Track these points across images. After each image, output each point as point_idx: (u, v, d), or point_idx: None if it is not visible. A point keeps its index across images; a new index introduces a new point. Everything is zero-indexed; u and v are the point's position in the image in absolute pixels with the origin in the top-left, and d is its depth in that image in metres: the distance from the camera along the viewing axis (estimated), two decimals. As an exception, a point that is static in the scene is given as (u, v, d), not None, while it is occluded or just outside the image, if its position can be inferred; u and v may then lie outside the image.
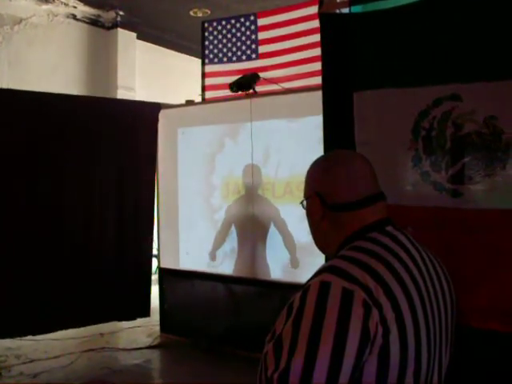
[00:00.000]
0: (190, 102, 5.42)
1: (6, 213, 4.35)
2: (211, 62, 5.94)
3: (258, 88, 5.03)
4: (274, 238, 4.72)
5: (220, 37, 5.87)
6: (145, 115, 5.12)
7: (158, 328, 5.41)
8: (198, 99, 5.89)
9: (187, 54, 8.50)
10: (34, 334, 4.59)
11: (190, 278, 5.16)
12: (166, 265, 5.39)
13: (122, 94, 7.40)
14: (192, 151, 5.21)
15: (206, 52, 5.96)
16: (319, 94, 2.51)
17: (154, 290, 5.39)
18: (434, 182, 2.08)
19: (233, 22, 5.81)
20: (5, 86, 5.76)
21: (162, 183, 5.36)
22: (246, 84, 4.85)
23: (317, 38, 2.53)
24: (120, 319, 5.15)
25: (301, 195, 1.34)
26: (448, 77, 2.05)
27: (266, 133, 4.64)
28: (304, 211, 1.32)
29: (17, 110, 4.41)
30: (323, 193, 1.24)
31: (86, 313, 4.75)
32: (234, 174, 4.92)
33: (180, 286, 5.28)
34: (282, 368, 1.00)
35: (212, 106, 5.26)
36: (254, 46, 5.70)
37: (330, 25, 2.40)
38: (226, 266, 4.98)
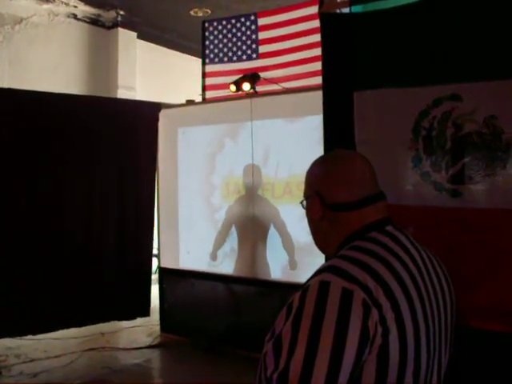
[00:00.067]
0: (190, 102, 5.43)
1: (6, 213, 4.35)
2: (212, 61, 5.94)
3: (259, 88, 5.03)
4: (274, 237, 4.72)
5: (220, 36, 5.87)
6: (145, 115, 5.12)
7: (158, 327, 5.42)
8: (199, 99, 5.89)
9: (188, 53, 8.50)
10: (34, 334, 4.60)
11: (190, 277, 5.16)
12: (166, 264, 5.40)
13: (122, 94, 7.40)
14: (192, 151, 5.22)
15: (207, 52, 5.95)
16: (319, 93, 2.50)
17: (154, 290, 5.39)
18: (434, 181, 2.08)
19: (233, 21, 5.81)
20: (5, 85, 5.76)
21: (162, 183, 5.36)
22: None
23: (317, 37, 2.53)
24: (120, 319, 5.15)
25: (300, 195, 1.34)
26: (448, 77, 2.05)
27: (266, 133, 4.65)
28: (304, 211, 1.32)
29: (17, 110, 4.41)
30: (323, 193, 1.24)
31: (87, 312, 4.75)
32: (234, 173, 4.92)
33: (180, 286, 5.28)
34: (282, 368, 1.00)
35: (212, 105, 5.26)
36: (254, 46, 5.70)
37: (331, 25, 2.40)
38: (226, 265, 4.98)
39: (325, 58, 2.45)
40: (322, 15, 2.43)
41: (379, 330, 1.02)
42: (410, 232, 1.27)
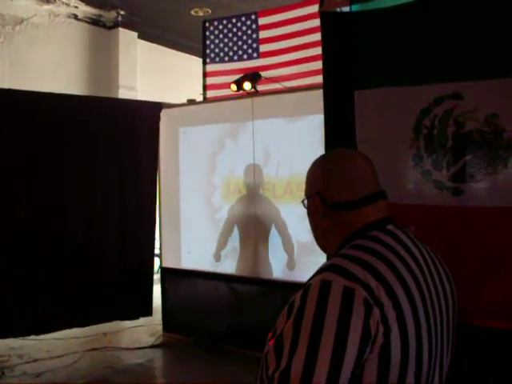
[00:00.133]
0: (191, 102, 5.43)
1: (6, 213, 4.35)
2: (212, 61, 5.94)
3: (260, 87, 5.03)
4: (276, 237, 4.73)
5: (221, 36, 5.87)
6: (146, 115, 5.12)
7: (160, 327, 5.42)
8: (200, 98, 5.89)
9: (188, 53, 8.50)
10: (36, 334, 4.61)
11: (192, 277, 5.16)
12: (167, 264, 5.40)
13: (123, 94, 7.40)
14: (193, 151, 5.22)
15: (208, 51, 5.95)
16: (320, 92, 2.50)
17: (157, 290, 5.40)
18: (435, 180, 2.08)
19: (234, 21, 5.81)
20: (6, 85, 5.76)
21: (163, 182, 5.36)
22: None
23: (318, 36, 2.53)
24: (122, 319, 5.16)
25: (301, 195, 1.34)
26: (449, 75, 2.05)
27: (267, 132, 4.65)
28: (305, 210, 1.32)
29: (17, 110, 4.41)
30: (324, 192, 1.24)
31: (89, 312, 4.76)
32: (234, 173, 4.93)
33: (182, 286, 5.28)
34: (283, 367, 1.00)
35: (213, 105, 5.26)
36: (255, 45, 5.70)
37: (331, 23, 2.40)
38: (228, 265, 4.98)
39: (325, 57, 2.44)
40: (322, 14, 2.43)
41: (381, 328, 1.03)
42: (412, 231, 1.27)
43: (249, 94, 4.89)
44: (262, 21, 5.66)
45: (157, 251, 5.51)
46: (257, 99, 4.74)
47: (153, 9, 7.21)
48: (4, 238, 4.33)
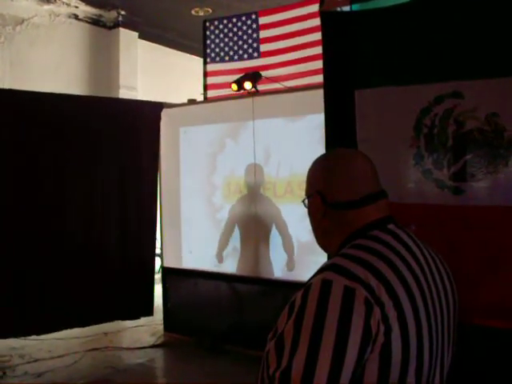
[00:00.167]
0: (192, 101, 5.43)
1: (8, 213, 4.35)
2: (213, 60, 5.94)
3: (260, 87, 5.03)
4: (277, 236, 4.73)
5: (222, 35, 5.87)
6: (147, 114, 5.12)
7: (161, 327, 5.42)
8: (200, 98, 5.89)
9: (189, 52, 8.50)
10: (37, 334, 4.62)
11: (193, 276, 5.17)
12: (169, 264, 5.40)
13: (124, 94, 7.41)
14: (194, 150, 5.22)
15: (208, 51, 5.95)
16: (321, 92, 2.50)
17: (158, 289, 5.40)
18: (436, 179, 2.08)
19: (234, 20, 5.81)
20: (7, 86, 5.76)
21: (164, 182, 5.36)
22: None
23: (318, 36, 2.53)
24: (123, 318, 5.16)
25: (302, 194, 1.34)
26: (449, 74, 2.05)
27: (267, 132, 4.65)
28: (305, 210, 1.32)
29: (18, 111, 4.41)
30: (324, 191, 1.24)
31: (90, 312, 4.76)
32: (235, 173, 4.93)
33: (183, 285, 5.28)
34: (284, 366, 1.00)
35: (214, 104, 5.26)
36: (255, 45, 5.70)
37: (331, 23, 2.40)
38: (229, 264, 4.98)
39: (325, 57, 2.44)
40: (322, 13, 2.43)
41: (381, 328, 1.02)
42: (412, 230, 1.27)
43: (249, 94, 4.89)
44: (262, 20, 5.66)
45: (158, 251, 5.52)
46: (257, 99, 4.74)
47: (153, 9, 7.21)
48: (4, 238, 4.34)
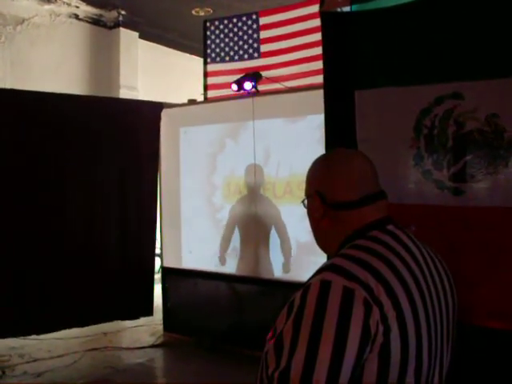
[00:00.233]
0: (192, 101, 5.43)
1: (8, 213, 4.35)
2: (213, 60, 5.94)
3: (260, 87, 5.03)
4: (276, 237, 4.73)
5: (222, 36, 5.88)
6: (147, 115, 5.12)
7: (161, 327, 5.43)
8: (200, 98, 5.90)
9: (189, 53, 8.51)
10: (37, 334, 4.61)
11: (193, 276, 5.17)
12: (168, 264, 5.41)
13: (124, 94, 7.41)
14: (194, 151, 5.22)
15: (208, 51, 5.96)
16: (321, 92, 2.50)
17: (157, 289, 5.40)
18: (435, 180, 2.08)
19: (235, 20, 5.81)
20: (7, 85, 5.77)
21: (164, 182, 5.36)
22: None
23: (318, 36, 2.53)
24: (123, 318, 5.16)
25: (301, 195, 1.34)
26: (449, 75, 2.05)
27: (267, 132, 4.65)
28: (305, 210, 1.32)
29: (18, 110, 4.41)
30: (324, 191, 1.24)
31: (90, 312, 4.76)
32: (235, 174, 4.93)
33: (183, 285, 5.28)
34: (283, 367, 1.00)
35: (214, 105, 5.26)
36: (255, 45, 5.70)
37: (331, 23, 2.40)
38: (228, 264, 4.98)
39: (325, 57, 2.44)
40: (322, 14, 2.43)
41: (380, 328, 1.03)
42: (412, 231, 1.27)
43: (249, 94, 4.89)
44: (262, 20, 5.66)
45: (157, 251, 5.51)
46: (257, 99, 4.75)
47: (154, 9, 7.21)
48: (4, 238, 4.34)
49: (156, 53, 8.26)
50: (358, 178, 1.24)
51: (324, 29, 2.43)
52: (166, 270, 5.42)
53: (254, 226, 4.81)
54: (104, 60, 7.63)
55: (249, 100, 4.76)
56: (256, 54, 5.70)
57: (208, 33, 5.95)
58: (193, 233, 5.27)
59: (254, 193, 4.81)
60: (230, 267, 4.96)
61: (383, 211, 1.24)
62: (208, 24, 5.98)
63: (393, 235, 1.20)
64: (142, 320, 5.30)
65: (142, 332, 5.45)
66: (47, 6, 6.93)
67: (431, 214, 2.07)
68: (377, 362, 1.04)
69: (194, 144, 5.22)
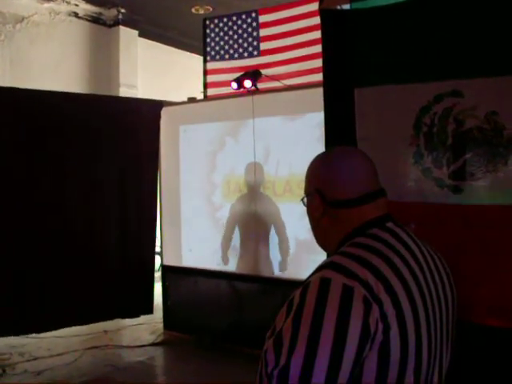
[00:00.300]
0: (191, 100, 5.43)
1: (8, 212, 4.35)
2: (213, 59, 5.93)
3: (260, 85, 5.03)
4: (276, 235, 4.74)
5: (222, 34, 5.87)
6: (147, 113, 5.12)
7: (161, 325, 5.43)
8: (200, 96, 5.89)
9: (189, 51, 8.50)
10: (38, 332, 4.61)
11: (193, 275, 5.17)
12: (168, 262, 5.41)
13: (124, 92, 7.41)
14: (193, 149, 5.22)
15: (208, 49, 5.95)
16: (320, 90, 2.50)
17: (157, 288, 5.40)
18: (435, 178, 2.07)
19: (234, 18, 5.81)
20: (7, 84, 5.75)
21: (164, 181, 5.36)
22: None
23: (318, 34, 2.52)
24: (123, 317, 5.16)
25: (301, 193, 1.34)
26: (449, 73, 2.04)
27: (267, 130, 4.65)
28: (304, 209, 1.32)
29: (17, 109, 4.41)
30: (323, 189, 1.24)
31: (90, 310, 4.76)
32: (234, 172, 4.93)
33: (183, 284, 5.29)
34: (282, 365, 1.00)
35: (214, 103, 5.26)
36: (255, 43, 5.69)
37: (331, 21, 2.39)
38: (229, 263, 4.99)
39: (325, 55, 2.44)
40: (322, 12, 2.42)
41: (380, 326, 1.03)
42: (412, 229, 1.27)
43: (249, 92, 4.88)
44: (262, 18, 5.66)
45: (157, 249, 5.52)
46: (257, 97, 4.74)
47: (153, 7, 7.20)
48: (4, 238, 4.33)
49: (156, 51, 8.26)
50: (358, 176, 1.24)
51: (323, 27, 2.43)
52: (166, 269, 5.42)
53: (254, 225, 4.81)
54: (104, 58, 7.63)
55: (248, 98, 4.76)
56: (256, 52, 5.70)
57: (208, 31, 5.95)
58: (193, 231, 5.27)
59: (254, 191, 4.81)
60: (230, 265, 4.96)
61: (383, 209, 1.25)
62: (208, 22, 5.97)
63: (392, 233, 1.20)
64: (142, 318, 5.30)
65: (142, 330, 5.46)
66: (47, 4, 6.92)
67: (431, 212, 2.07)
68: (376, 361, 1.04)
69: (194, 142, 5.22)
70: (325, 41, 2.43)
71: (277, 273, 4.69)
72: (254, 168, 4.73)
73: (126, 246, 4.99)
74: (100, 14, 7.54)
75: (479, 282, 1.93)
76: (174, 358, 4.90)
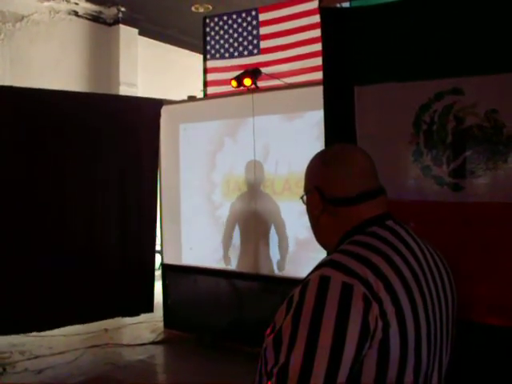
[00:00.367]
0: (191, 98, 5.42)
1: (8, 212, 4.34)
2: (213, 57, 5.93)
3: (260, 83, 5.02)
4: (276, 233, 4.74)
5: (222, 32, 5.86)
6: (147, 111, 5.11)
7: (161, 324, 5.43)
8: (200, 95, 5.89)
9: (189, 49, 8.49)
10: (38, 331, 4.61)
11: (193, 273, 5.17)
12: (168, 261, 5.41)
13: (124, 91, 7.41)
14: (193, 148, 5.22)
15: (208, 47, 5.95)
16: (320, 88, 2.50)
17: (158, 286, 5.40)
18: (435, 176, 2.07)
19: (234, 17, 5.80)
20: (7, 83, 5.75)
21: (164, 179, 5.36)
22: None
23: (318, 32, 2.52)
24: (124, 315, 5.16)
25: (300, 191, 1.34)
26: (449, 70, 2.04)
27: (267, 129, 4.64)
28: (304, 207, 1.32)
29: (17, 108, 4.40)
30: (323, 187, 1.24)
31: (90, 309, 4.76)
32: (234, 171, 4.93)
33: (183, 282, 5.29)
34: (282, 362, 1.00)
35: (214, 101, 5.26)
36: (255, 41, 5.69)
37: (331, 19, 2.39)
38: (230, 262, 4.99)
39: (325, 53, 2.44)
40: (322, 10, 2.42)
41: (379, 324, 1.02)
42: (411, 227, 1.27)
43: (249, 91, 4.88)
44: (262, 17, 5.65)
45: (158, 248, 5.52)
46: (257, 95, 4.74)
47: (153, 5, 7.20)
48: (5, 237, 4.33)
49: (156, 49, 8.25)
50: (358, 174, 1.23)
51: (323, 25, 2.43)
52: (166, 267, 5.42)
53: (253, 223, 4.81)
54: (103, 57, 7.62)
55: (248, 96, 4.75)
56: (255, 51, 5.69)
57: (207, 29, 5.94)
58: (193, 230, 5.27)
59: (254, 189, 4.81)
60: (230, 264, 4.96)
61: (382, 207, 1.24)
62: (207, 20, 5.97)
63: (392, 231, 1.20)
64: (143, 317, 5.30)
65: (142, 329, 5.46)
66: (46, 3, 6.92)
67: (431, 210, 2.07)
68: (376, 359, 1.03)
69: (194, 141, 5.21)
70: (325, 39, 2.43)
71: (277, 271, 4.69)
72: (254, 166, 4.73)
73: (126, 246, 4.99)
74: (100, 12, 7.54)
75: (479, 280, 1.93)
76: (174, 357, 4.90)
